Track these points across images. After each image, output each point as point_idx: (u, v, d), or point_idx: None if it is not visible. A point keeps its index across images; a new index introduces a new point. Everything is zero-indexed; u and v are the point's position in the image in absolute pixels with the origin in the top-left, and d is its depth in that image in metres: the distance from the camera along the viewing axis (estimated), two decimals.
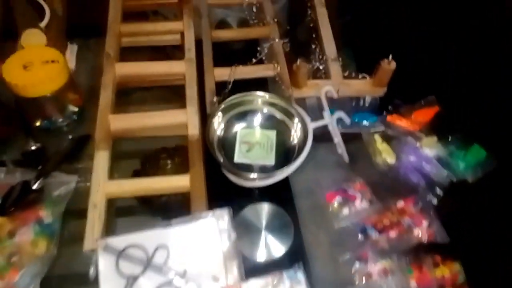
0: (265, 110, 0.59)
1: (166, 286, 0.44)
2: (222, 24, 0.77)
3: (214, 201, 0.50)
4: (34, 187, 0.50)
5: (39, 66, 0.52)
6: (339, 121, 0.58)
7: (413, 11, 0.73)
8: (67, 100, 0.57)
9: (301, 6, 0.82)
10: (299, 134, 0.56)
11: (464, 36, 0.66)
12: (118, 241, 0.46)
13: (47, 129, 0.59)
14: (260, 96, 0.59)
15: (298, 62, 0.60)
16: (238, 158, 0.57)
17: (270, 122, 0.59)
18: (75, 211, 0.51)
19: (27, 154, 0.55)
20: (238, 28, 0.77)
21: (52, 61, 0.53)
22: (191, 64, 0.63)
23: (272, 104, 0.59)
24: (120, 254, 0.45)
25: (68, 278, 0.48)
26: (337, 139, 0.55)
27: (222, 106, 0.58)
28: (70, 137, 0.57)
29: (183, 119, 0.57)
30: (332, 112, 0.55)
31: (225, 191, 0.56)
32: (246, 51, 0.75)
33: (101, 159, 0.53)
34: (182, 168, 0.54)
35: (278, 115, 0.59)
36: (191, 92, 0.60)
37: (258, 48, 0.71)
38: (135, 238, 0.46)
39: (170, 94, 0.67)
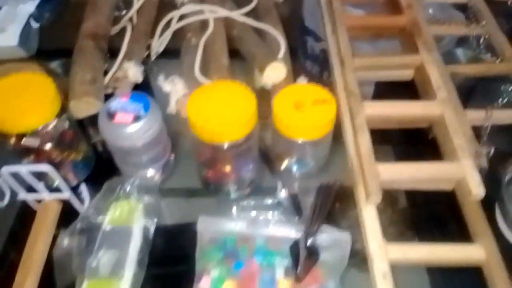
0: None
1: None
2: (448, 57, 0.69)
3: None
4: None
5: (310, 107, 0.47)
6: None
7: None
8: (324, 144, 0.51)
9: None
10: None
11: None
12: None
13: (290, 172, 0.53)
14: None
15: None
16: None
17: None
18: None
19: (280, 202, 0.50)
20: (469, 63, 0.68)
21: (323, 101, 0.48)
22: (447, 105, 0.55)
23: None
24: None
25: None
26: None
27: None
28: (319, 185, 0.51)
29: (458, 174, 0.49)
30: None
31: None
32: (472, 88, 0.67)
33: (373, 214, 0.47)
34: None
35: None
36: (459, 141, 0.51)
37: (502, 88, 0.62)
38: None
39: None
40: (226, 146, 0.44)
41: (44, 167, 0.42)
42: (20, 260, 0.44)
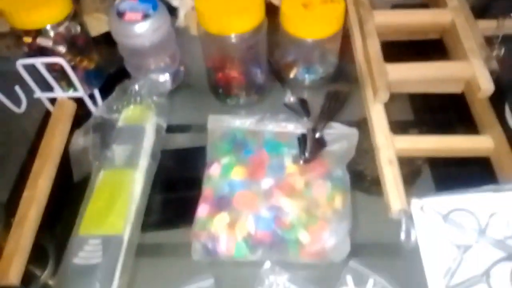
0: None
1: (506, 261, 0.36)
2: None
3: None
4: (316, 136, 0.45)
5: (318, 6, 0.47)
6: None
7: None
8: (332, 48, 0.51)
9: None
10: None
11: None
12: (436, 202, 0.39)
13: (299, 80, 0.54)
14: None
15: None
16: None
17: None
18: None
19: (289, 105, 0.50)
20: None
21: (332, 1, 0.48)
22: (458, 13, 0.54)
23: None
24: (445, 218, 0.38)
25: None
26: None
27: None
28: (326, 91, 0.51)
29: (467, 73, 0.48)
30: None
31: None
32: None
33: (381, 110, 0.47)
34: None
35: None
36: (469, 44, 0.51)
37: None
38: (458, 201, 0.39)
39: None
40: (233, 38, 0.44)
41: (57, 59, 0.43)
42: None
